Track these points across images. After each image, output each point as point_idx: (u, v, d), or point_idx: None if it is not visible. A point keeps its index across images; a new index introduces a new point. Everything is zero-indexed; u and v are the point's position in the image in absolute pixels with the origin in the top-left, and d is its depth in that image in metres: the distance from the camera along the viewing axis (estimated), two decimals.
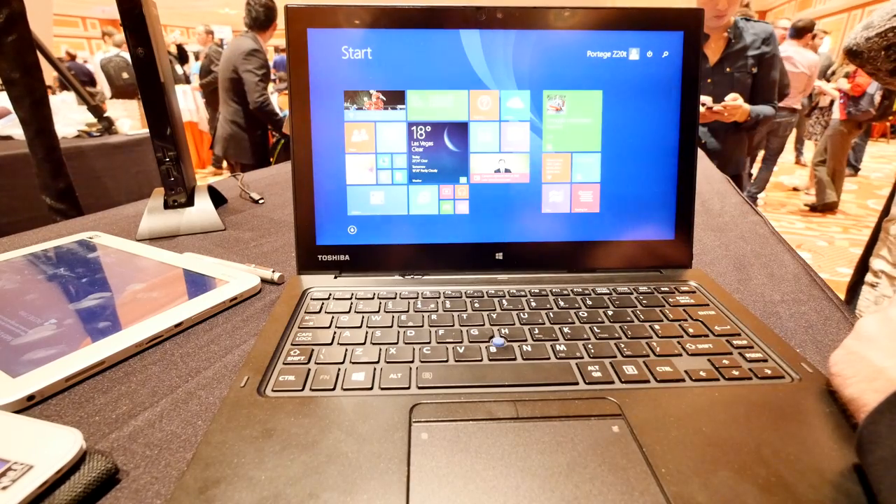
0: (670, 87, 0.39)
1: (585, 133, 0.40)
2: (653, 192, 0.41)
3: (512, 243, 0.39)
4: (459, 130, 0.39)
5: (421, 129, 0.38)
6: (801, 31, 3.46)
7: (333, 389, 0.28)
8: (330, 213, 0.38)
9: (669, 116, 0.40)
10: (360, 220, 0.38)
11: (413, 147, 0.39)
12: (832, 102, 3.55)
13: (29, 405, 0.29)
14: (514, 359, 0.31)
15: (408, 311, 0.35)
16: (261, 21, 2.36)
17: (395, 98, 0.39)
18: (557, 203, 0.41)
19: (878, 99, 3.31)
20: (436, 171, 0.39)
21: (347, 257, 0.35)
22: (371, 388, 0.28)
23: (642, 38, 0.39)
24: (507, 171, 0.39)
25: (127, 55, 4.29)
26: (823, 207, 3.50)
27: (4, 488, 0.21)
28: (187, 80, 5.00)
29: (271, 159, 2.71)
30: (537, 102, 0.39)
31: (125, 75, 4.32)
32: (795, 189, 4.03)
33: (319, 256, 0.35)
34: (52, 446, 0.24)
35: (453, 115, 0.39)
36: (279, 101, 3.92)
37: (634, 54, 0.39)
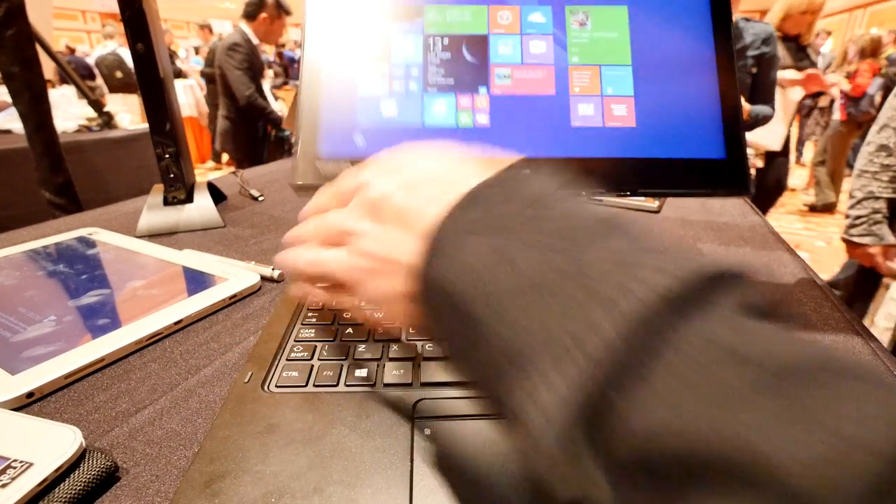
0: (697, 4, 0.38)
1: (614, 47, 0.37)
2: (695, 107, 0.37)
3: (539, 158, 0.36)
4: (478, 43, 0.36)
5: (437, 41, 0.36)
6: None
7: (336, 385, 0.28)
8: (336, 122, 0.34)
9: (701, 29, 0.38)
10: (369, 131, 0.34)
11: (429, 58, 0.36)
12: (832, 103, 3.55)
13: (28, 402, 0.29)
14: None
15: None
16: (247, 10, 2.34)
17: (411, 12, 0.37)
18: (588, 116, 0.37)
19: (878, 100, 3.31)
20: (452, 81, 0.36)
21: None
22: (374, 385, 0.28)
23: None
24: (530, 82, 0.37)
25: (121, 50, 4.28)
26: (822, 208, 3.51)
27: (4, 486, 0.21)
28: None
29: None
30: (560, 18, 0.37)
31: (119, 74, 4.29)
32: (793, 190, 4.04)
33: (318, 166, 0.32)
34: (51, 444, 0.23)
35: (472, 29, 0.36)
36: (279, 96, 3.91)
37: None
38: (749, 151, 1.92)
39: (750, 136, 1.81)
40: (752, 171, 1.95)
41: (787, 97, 1.72)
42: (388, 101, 0.33)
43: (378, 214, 0.22)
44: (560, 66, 0.37)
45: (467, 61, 0.35)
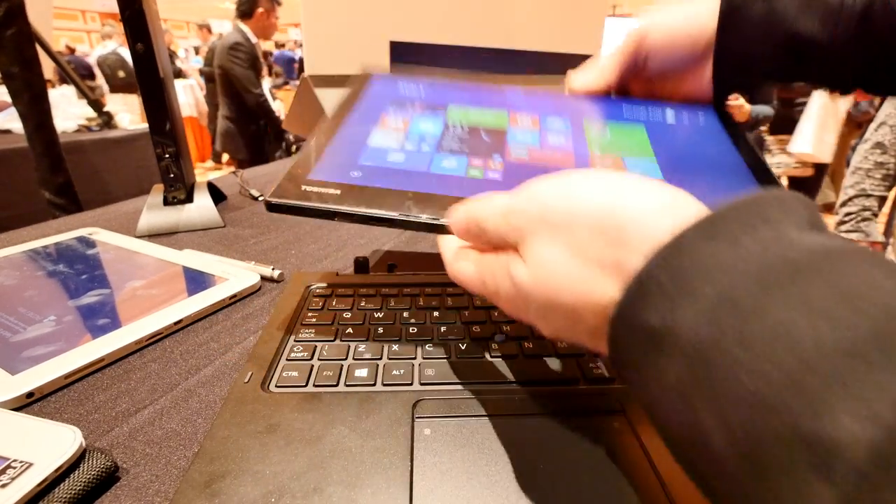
0: (715, 136, 0.36)
1: (636, 147, 0.35)
2: (732, 189, 0.32)
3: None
4: (497, 132, 0.35)
5: (457, 126, 0.36)
6: None
7: (336, 385, 0.28)
8: (338, 159, 0.32)
9: (719, 136, 0.36)
10: (369, 168, 0.31)
11: (446, 133, 0.35)
12: None
13: (28, 402, 0.29)
14: (516, 356, 0.31)
15: (410, 308, 0.35)
16: (242, 9, 2.34)
17: (435, 108, 0.38)
18: None
19: (877, 100, 3.31)
20: (467, 149, 0.34)
21: (339, 192, 0.28)
22: (374, 384, 0.28)
23: (674, 107, 0.38)
24: (548, 158, 0.34)
25: (122, 49, 4.28)
26: (822, 207, 3.51)
27: (4, 486, 0.21)
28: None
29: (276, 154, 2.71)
30: (578, 126, 0.36)
31: (121, 73, 4.29)
32: None
33: (304, 187, 0.29)
34: (51, 444, 0.23)
35: (492, 125, 0.36)
36: (278, 96, 3.91)
37: (671, 118, 0.37)
38: (794, 163, 1.91)
39: (803, 148, 1.82)
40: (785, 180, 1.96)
41: (839, 106, 1.71)
42: (396, 153, 0.32)
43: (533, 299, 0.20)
44: (580, 152, 0.34)
45: (485, 140, 0.34)
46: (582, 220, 0.19)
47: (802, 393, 0.12)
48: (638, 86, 0.40)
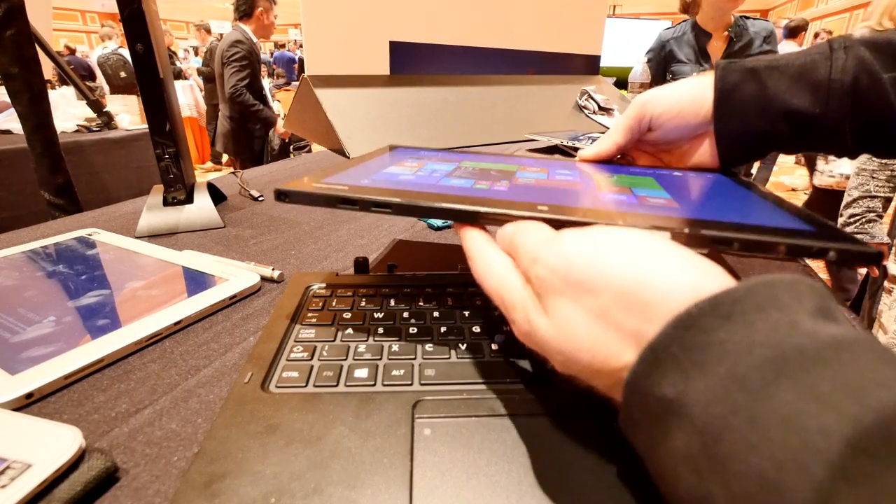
0: (727, 183, 0.36)
1: (645, 184, 0.34)
2: (756, 213, 0.31)
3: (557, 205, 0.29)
4: (507, 172, 0.38)
5: (468, 168, 0.39)
6: (795, 31, 3.52)
7: (336, 385, 0.28)
8: (351, 174, 0.34)
9: (728, 182, 0.36)
10: (379, 180, 0.33)
11: (457, 170, 0.38)
12: None
13: (27, 403, 0.29)
14: (516, 356, 0.31)
15: (410, 308, 0.35)
16: (242, 9, 2.36)
17: (450, 161, 0.41)
18: (621, 197, 0.33)
19: None
20: (474, 179, 0.35)
21: (346, 188, 0.30)
22: (374, 385, 0.28)
23: (681, 170, 0.39)
24: (554, 182, 0.35)
25: (123, 50, 4.29)
26: None
27: (3, 487, 0.21)
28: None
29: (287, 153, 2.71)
30: (587, 175, 0.38)
31: (123, 74, 4.30)
32: (794, 189, 4.04)
33: (315, 184, 0.31)
34: (50, 444, 0.23)
35: (502, 169, 0.38)
36: (278, 96, 3.91)
37: (679, 174, 0.39)
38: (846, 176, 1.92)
39: (844, 170, 1.85)
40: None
41: None
42: (407, 176, 0.35)
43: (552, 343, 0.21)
44: (587, 184, 0.35)
45: (494, 175, 0.36)
46: (607, 287, 0.19)
47: (806, 477, 0.12)
48: (645, 159, 0.42)
